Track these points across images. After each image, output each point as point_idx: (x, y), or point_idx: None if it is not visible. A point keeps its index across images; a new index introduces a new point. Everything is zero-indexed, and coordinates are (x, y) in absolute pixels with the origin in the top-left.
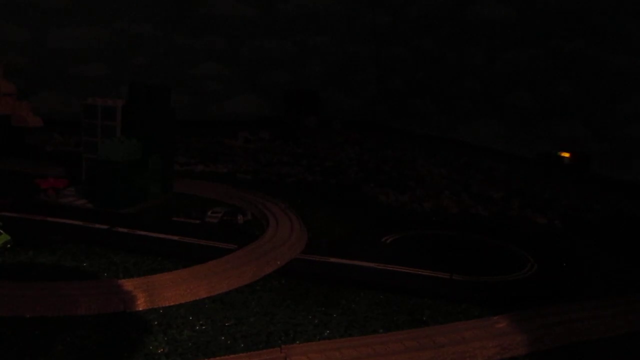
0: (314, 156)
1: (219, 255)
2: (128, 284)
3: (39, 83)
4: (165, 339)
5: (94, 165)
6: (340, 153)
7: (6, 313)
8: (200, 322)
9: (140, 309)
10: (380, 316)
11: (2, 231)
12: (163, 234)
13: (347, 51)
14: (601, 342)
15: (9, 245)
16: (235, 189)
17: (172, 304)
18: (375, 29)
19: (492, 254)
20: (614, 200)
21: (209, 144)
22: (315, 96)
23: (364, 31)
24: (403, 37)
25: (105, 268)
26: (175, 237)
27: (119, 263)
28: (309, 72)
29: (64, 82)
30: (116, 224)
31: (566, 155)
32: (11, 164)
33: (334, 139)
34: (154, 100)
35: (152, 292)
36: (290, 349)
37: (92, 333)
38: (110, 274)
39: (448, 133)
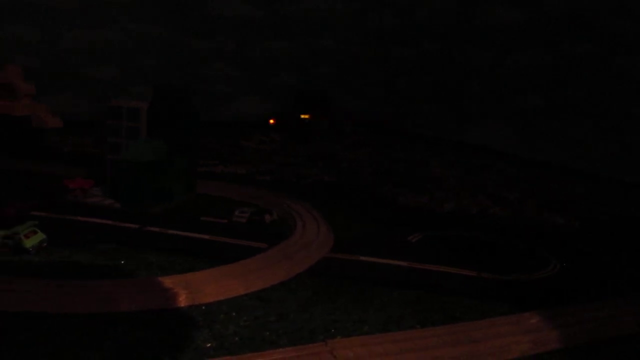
0: (327, 157)
1: (250, 254)
2: (168, 282)
3: (50, 85)
4: (211, 334)
5: (120, 166)
6: (353, 154)
7: (52, 310)
8: (244, 319)
9: (182, 305)
10: (415, 313)
11: (37, 230)
12: (193, 233)
13: (355, 53)
14: (633, 338)
15: (44, 244)
16: (257, 189)
17: (212, 300)
18: (383, 32)
19: (515, 253)
20: (626, 201)
21: (224, 145)
22: (325, 98)
23: (372, 34)
24: (412, 39)
25: (141, 266)
26: (206, 236)
27: (154, 261)
28: (318, 74)
29: (75, 84)
30: (146, 224)
31: (306, 116)
32: (35, 165)
33: (345, 141)
34: (179, 102)
35: (192, 290)
36: (335, 343)
37: (137, 329)
38: (148, 272)
39: (456, 135)
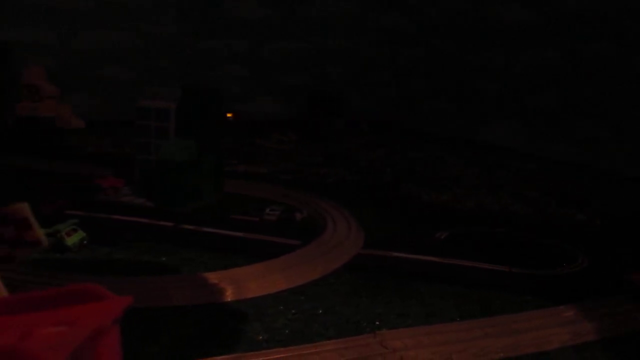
0: (346, 157)
1: (286, 250)
2: (213, 277)
3: (63, 85)
4: (262, 327)
5: (151, 166)
6: (370, 154)
7: None
8: (292, 312)
9: (230, 300)
10: (454, 307)
11: (78, 228)
12: (227, 231)
13: (366, 53)
14: None
15: (84, 242)
16: (284, 188)
17: (258, 295)
18: (392, 31)
19: (542, 249)
20: None
21: (242, 145)
22: (339, 98)
23: (382, 33)
24: (422, 38)
25: (183, 263)
26: (240, 234)
27: (194, 258)
28: (329, 74)
29: (88, 84)
30: (180, 222)
31: (229, 115)
32: (62, 165)
33: (361, 140)
34: (208, 102)
35: (238, 285)
36: (384, 335)
37: (191, 322)
38: (191, 268)
39: (468, 134)
